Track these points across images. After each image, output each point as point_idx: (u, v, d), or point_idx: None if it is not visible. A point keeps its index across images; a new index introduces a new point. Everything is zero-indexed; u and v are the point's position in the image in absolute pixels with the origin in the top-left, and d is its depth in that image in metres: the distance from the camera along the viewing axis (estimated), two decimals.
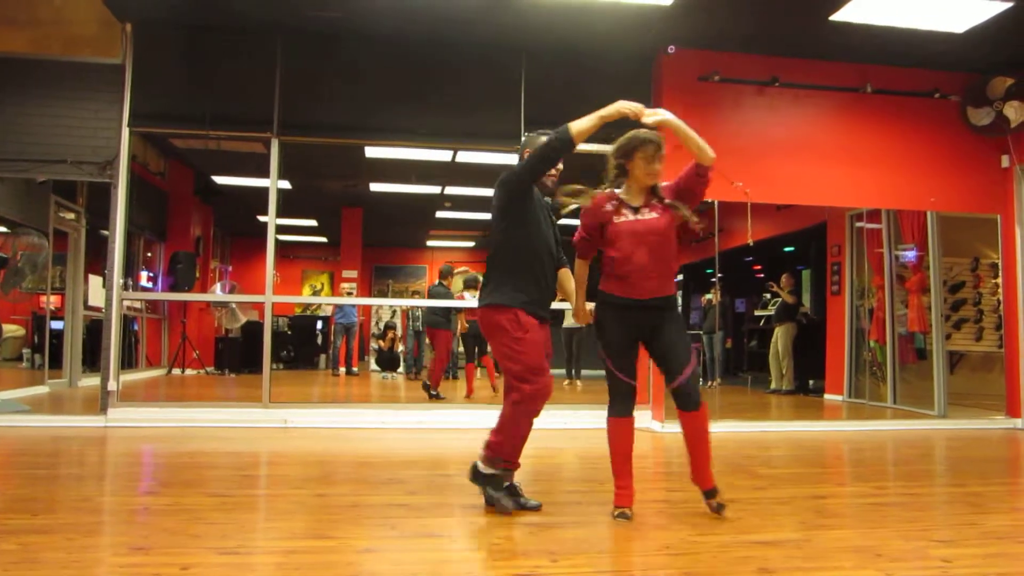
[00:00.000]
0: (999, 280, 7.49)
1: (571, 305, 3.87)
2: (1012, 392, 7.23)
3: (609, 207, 3.55)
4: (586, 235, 3.63)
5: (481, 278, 3.99)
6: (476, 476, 3.55)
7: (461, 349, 10.98)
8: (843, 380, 9.38)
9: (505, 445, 3.49)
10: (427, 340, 11.08)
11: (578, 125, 3.39)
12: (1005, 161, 7.28)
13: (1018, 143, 7.18)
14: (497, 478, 3.51)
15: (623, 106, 3.39)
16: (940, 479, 4.95)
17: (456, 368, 12.39)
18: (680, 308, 13.08)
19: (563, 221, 3.91)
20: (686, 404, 3.47)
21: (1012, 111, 6.98)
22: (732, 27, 6.51)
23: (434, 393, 8.76)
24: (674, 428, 6.61)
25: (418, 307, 12.95)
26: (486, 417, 6.81)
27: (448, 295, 9.47)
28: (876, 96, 7.08)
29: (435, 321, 9.41)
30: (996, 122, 7.07)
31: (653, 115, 3.41)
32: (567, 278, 3.88)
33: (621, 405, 3.66)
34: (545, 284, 3.61)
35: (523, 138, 3.68)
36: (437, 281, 9.59)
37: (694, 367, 3.52)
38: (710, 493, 3.50)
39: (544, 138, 3.55)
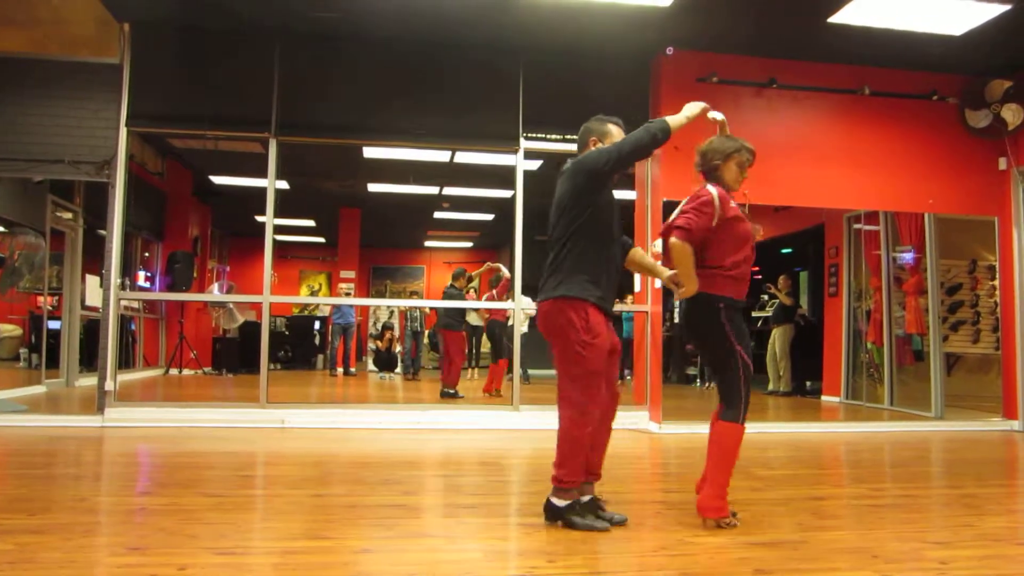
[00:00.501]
0: (996, 282, 7.49)
1: (661, 277, 3.62)
2: (1009, 394, 7.24)
3: (734, 204, 3.45)
4: (704, 227, 3.33)
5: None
6: (553, 513, 3.29)
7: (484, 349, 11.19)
8: (840, 382, 9.39)
9: (573, 471, 3.27)
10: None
11: (674, 121, 3.35)
12: (1002, 163, 7.29)
13: (1015, 145, 7.20)
14: (574, 505, 3.27)
15: (706, 109, 3.46)
16: (937, 481, 4.96)
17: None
18: (677, 310, 13.09)
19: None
20: None
21: (1010, 114, 7.00)
22: (730, 28, 6.52)
23: (452, 392, 8.94)
24: (671, 429, 6.63)
25: (415, 308, 13.00)
26: (484, 418, 6.85)
27: (460, 297, 9.57)
28: (874, 98, 7.08)
29: (447, 323, 9.52)
30: (994, 124, 7.08)
31: (718, 115, 3.54)
32: (640, 254, 3.74)
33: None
34: (613, 278, 3.42)
35: (587, 125, 3.56)
36: (450, 283, 9.70)
37: None
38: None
39: (611, 125, 3.51)
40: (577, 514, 3.25)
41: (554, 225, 3.43)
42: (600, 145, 3.47)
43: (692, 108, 3.42)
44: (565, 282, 3.31)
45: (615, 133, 3.50)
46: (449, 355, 9.34)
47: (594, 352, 3.26)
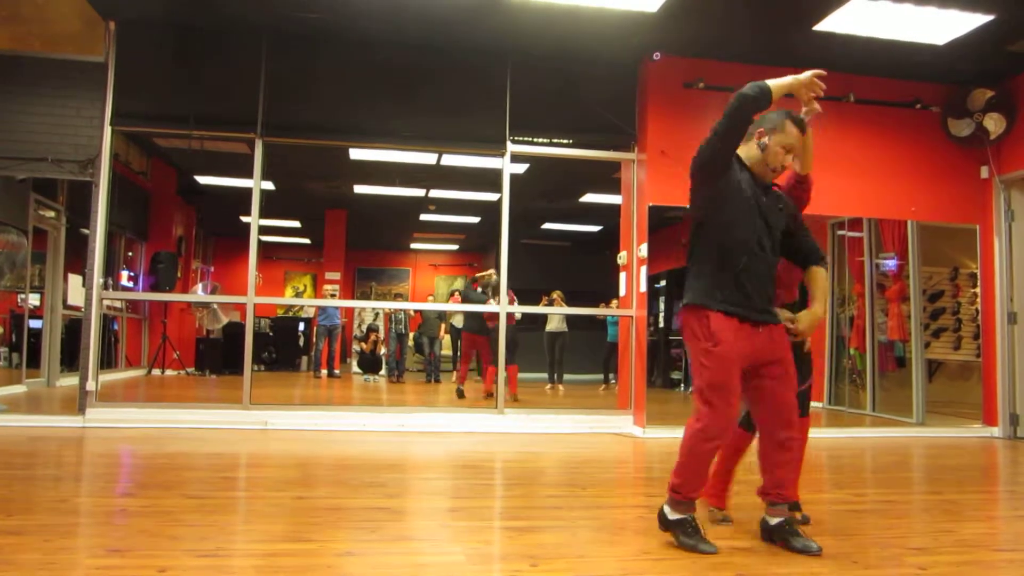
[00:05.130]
0: (978, 290, 7.57)
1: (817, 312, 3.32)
2: (989, 401, 7.31)
3: None
4: None
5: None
6: (663, 523, 3.10)
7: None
8: (823, 387, 9.45)
9: (688, 483, 3.03)
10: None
11: (775, 81, 3.02)
12: (984, 172, 7.37)
13: (997, 155, 7.27)
14: (685, 523, 3.04)
15: (815, 76, 3.18)
16: (917, 487, 5.00)
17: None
18: (662, 315, 13.16)
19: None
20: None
21: (991, 123, 7.07)
22: (717, 35, 6.56)
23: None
24: (655, 434, 6.64)
25: (400, 310, 12.99)
26: (468, 421, 6.84)
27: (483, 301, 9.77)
28: (858, 105, 7.14)
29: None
30: (976, 133, 7.15)
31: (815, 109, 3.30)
32: (821, 276, 3.36)
33: None
34: (751, 282, 3.06)
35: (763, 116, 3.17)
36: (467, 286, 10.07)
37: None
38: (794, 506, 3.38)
39: (788, 122, 3.17)
40: (687, 533, 3.01)
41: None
42: (764, 140, 3.16)
43: (803, 76, 3.13)
44: (688, 289, 3.14)
45: (785, 133, 3.17)
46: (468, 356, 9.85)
47: (715, 360, 2.98)
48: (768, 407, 3.10)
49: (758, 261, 3.08)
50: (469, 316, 9.76)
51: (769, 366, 3.08)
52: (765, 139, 3.15)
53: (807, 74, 3.14)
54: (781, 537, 3.06)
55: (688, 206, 3.19)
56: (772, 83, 3.02)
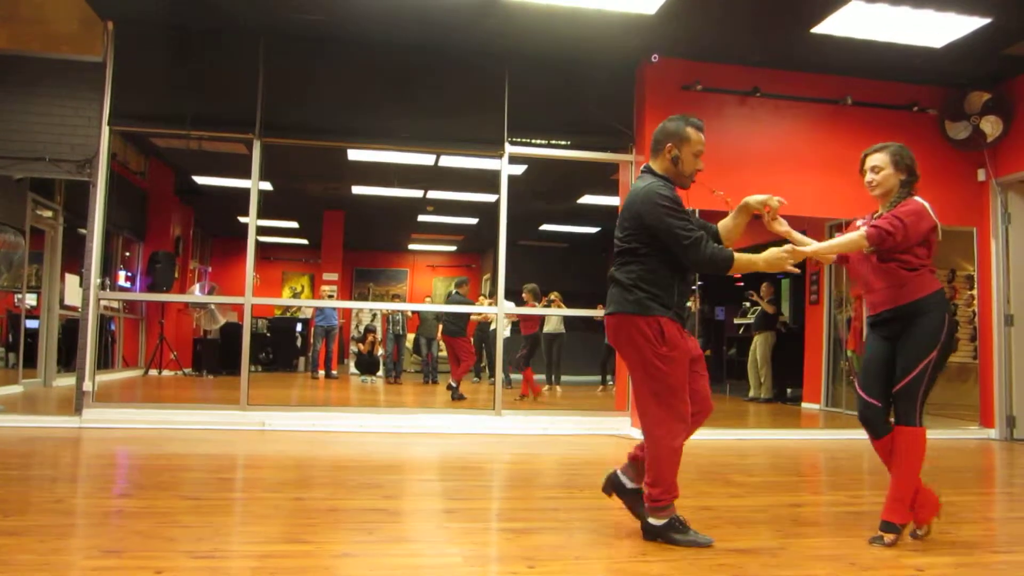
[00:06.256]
0: (975, 292, 7.58)
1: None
2: (986, 403, 7.32)
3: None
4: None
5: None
6: (652, 533, 3.15)
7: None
8: (820, 389, 9.45)
9: (668, 488, 3.11)
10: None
11: (740, 257, 3.17)
12: (981, 175, 7.38)
13: (994, 157, 7.29)
14: (674, 522, 3.12)
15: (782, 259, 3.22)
16: None
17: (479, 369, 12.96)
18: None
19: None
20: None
21: (988, 126, 7.08)
22: (715, 37, 6.56)
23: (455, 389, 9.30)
24: None
25: (398, 311, 12.99)
26: (465, 423, 6.84)
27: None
28: (856, 108, 7.15)
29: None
30: (973, 136, 7.16)
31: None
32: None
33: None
34: (687, 290, 3.29)
35: (664, 125, 3.29)
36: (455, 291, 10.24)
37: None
38: (884, 526, 3.21)
39: (690, 129, 3.24)
40: (678, 531, 3.10)
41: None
42: (675, 153, 3.24)
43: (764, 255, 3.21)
44: (635, 299, 3.20)
45: (692, 140, 3.26)
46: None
47: (671, 364, 3.13)
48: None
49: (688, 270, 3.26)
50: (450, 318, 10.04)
51: (695, 363, 3.25)
52: (676, 152, 3.25)
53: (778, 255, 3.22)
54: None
55: (621, 234, 3.25)
56: (738, 260, 3.16)
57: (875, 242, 3.23)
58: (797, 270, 3.30)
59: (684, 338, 3.19)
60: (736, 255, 3.15)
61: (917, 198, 3.42)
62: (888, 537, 3.15)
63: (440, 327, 12.80)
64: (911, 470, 3.29)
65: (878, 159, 3.53)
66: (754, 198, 3.38)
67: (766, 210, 3.39)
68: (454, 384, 9.29)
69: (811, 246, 3.37)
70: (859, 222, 3.50)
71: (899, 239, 3.24)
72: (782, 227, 3.44)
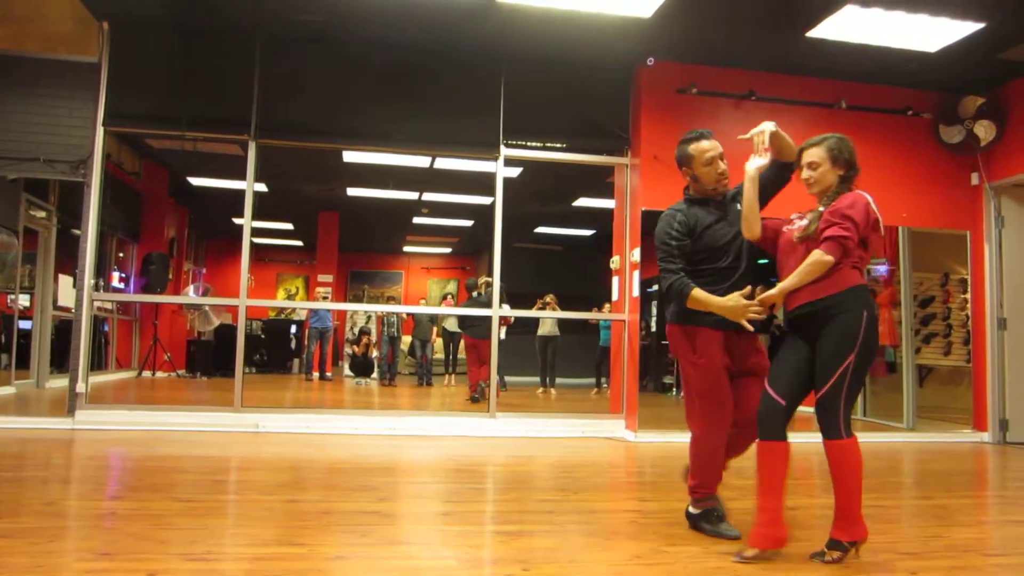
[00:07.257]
0: (968, 295, 7.60)
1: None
2: (979, 406, 7.35)
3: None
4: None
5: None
6: (691, 518, 3.43)
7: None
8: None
9: (703, 482, 3.38)
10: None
11: (697, 297, 3.27)
12: (975, 179, 7.41)
13: (987, 161, 7.32)
14: (708, 513, 3.36)
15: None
16: (908, 491, 5.02)
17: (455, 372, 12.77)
18: (655, 319, 13.18)
19: None
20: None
21: (982, 130, 7.11)
22: (711, 40, 6.58)
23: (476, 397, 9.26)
24: (647, 438, 6.65)
25: (392, 313, 12.97)
26: (460, 425, 6.83)
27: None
28: (850, 112, 7.17)
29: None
30: (967, 140, 7.19)
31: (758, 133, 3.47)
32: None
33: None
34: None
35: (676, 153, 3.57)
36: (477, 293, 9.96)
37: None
38: (831, 544, 3.05)
39: (690, 147, 3.53)
40: (708, 522, 3.34)
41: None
42: (690, 173, 3.54)
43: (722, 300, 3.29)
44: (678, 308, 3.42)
45: (695, 155, 3.50)
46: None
47: (701, 371, 3.37)
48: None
49: (733, 275, 3.45)
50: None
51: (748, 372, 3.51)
52: (690, 172, 3.50)
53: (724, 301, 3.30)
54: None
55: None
56: (694, 297, 3.27)
57: (839, 254, 3.05)
58: (751, 328, 3.31)
59: (720, 348, 3.35)
60: (693, 294, 3.26)
61: (858, 191, 3.21)
62: (832, 554, 2.99)
63: (435, 330, 12.84)
64: (853, 484, 3.13)
65: (815, 154, 3.32)
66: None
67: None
68: (484, 384, 9.11)
69: (776, 287, 3.25)
70: (794, 216, 3.35)
71: (857, 237, 3.07)
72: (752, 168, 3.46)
